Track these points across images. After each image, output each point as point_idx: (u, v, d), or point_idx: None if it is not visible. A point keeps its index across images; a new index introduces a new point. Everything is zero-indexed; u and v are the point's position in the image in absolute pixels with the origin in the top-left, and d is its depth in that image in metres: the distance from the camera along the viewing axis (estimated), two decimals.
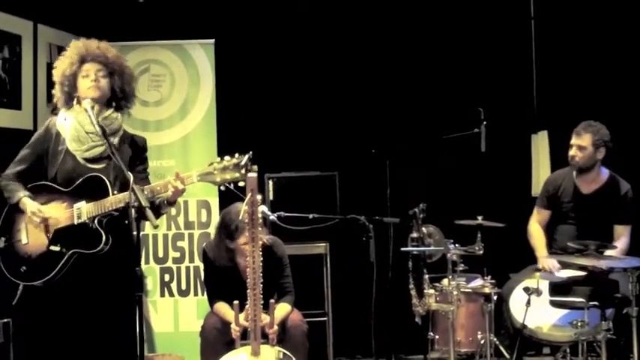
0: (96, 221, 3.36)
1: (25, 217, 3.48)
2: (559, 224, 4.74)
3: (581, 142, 4.56)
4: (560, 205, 4.73)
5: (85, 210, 3.37)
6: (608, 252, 3.99)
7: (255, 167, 3.23)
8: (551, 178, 4.90)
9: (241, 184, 3.25)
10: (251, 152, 3.25)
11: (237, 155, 3.26)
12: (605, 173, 4.66)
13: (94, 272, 3.41)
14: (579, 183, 4.68)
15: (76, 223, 3.38)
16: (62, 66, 3.53)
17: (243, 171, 3.21)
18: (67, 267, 3.37)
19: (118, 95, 3.58)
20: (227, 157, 3.27)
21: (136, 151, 3.62)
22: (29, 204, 3.44)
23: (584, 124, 4.60)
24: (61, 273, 3.37)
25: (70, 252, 3.36)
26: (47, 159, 3.52)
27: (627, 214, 4.60)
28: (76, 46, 3.56)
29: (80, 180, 3.43)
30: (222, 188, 3.35)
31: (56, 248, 3.38)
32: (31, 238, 3.45)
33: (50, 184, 3.48)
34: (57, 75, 3.55)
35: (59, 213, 3.43)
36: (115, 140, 3.52)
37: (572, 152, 4.61)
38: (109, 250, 3.38)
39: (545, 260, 4.56)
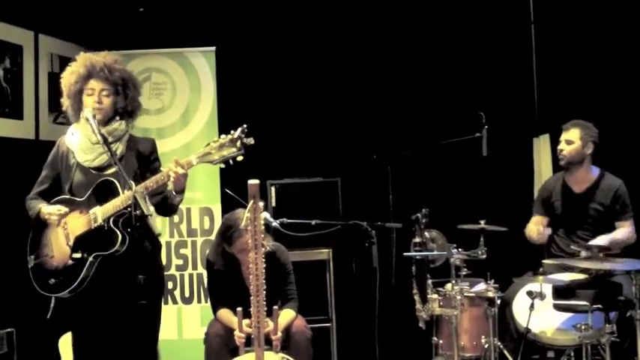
0: (111, 222, 3.38)
1: (48, 231, 3.53)
2: (556, 229, 4.75)
3: (569, 137, 4.63)
4: (553, 208, 4.75)
5: (99, 213, 3.40)
6: (593, 242, 3.99)
7: (252, 140, 3.21)
8: (545, 184, 4.96)
9: (239, 158, 3.21)
10: (245, 125, 3.22)
11: (231, 132, 3.24)
12: (595, 171, 4.70)
13: (115, 277, 3.42)
14: (570, 183, 4.71)
15: (93, 227, 3.41)
16: (69, 79, 3.56)
17: (239, 144, 3.19)
18: (92, 273, 3.39)
19: (121, 112, 3.63)
20: (222, 135, 3.26)
21: (145, 153, 3.66)
22: (47, 208, 3.50)
23: (572, 121, 4.69)
24: (87, 280, 3.38)
25: (92, 256, 3.38)
26: (62, 176, 3.59)
27: (624, 209, 4.62)
28: (83, 60, 3.57)
29: (92, 187, 3.47)
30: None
31: (78, 255, 3.41)
32: (56, 251, 3.49)
33: (67, 196, 3.53)
34: (64, 88, 3.59)
35: (78, 222, 3.45)
36: (121, 146, 3.57)
37: (560, 147, 4.67)
38: (129, 252, 3.38)
39: (533, 231, 4.62)
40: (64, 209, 3.47)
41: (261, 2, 5.73)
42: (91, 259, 3.38)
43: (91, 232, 3.42)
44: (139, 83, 3.72)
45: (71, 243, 3.45)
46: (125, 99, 3.61)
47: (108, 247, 3.37)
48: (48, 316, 3.51)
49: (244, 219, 3.22)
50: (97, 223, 3.40)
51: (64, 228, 3.48)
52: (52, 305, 3.52)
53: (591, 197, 4.65)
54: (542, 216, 4.83)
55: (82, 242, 3.43)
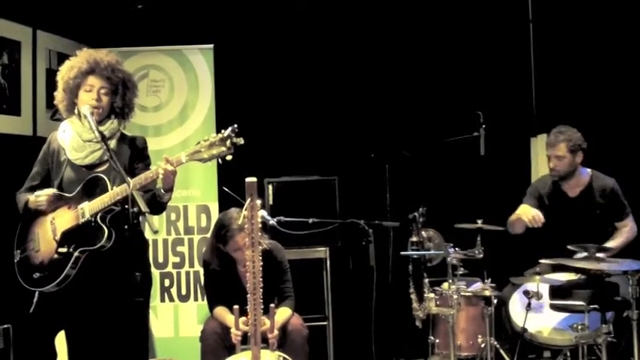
0: (98, 217, 3.37)
1: (36, 225, 3.52)
2: (550, 232, 4.74)
3: (558, 152, 4.59)
4: (547, 210, 4.73)
5: (87, 208, 3.39)
6: (601, 254, 3.98)
7: (241, 140, 3.19)
8: (540, 181, 4.90)
9: (229, 157, 3.20)
10: (235, 125, 3.20)
11: (222, 131, 3.23)
12: (586, 173, 4.69)
13: (103, 274, 3.42)
14: (564, 188, 4.71)
15: (80, 222, 3.40)
16: (68, 74, 3.53)
17: (228, 143, 3.17)
18: (77, 268, 3.38)
19: (117, 111, 3.62)
20: (212, 134, 3.25)
21: (135, 151, 3.65)
22: (32, 196, 3.49)
23: (554, 134, 4.62)
24: (73, 274, 3.38)
25: (78, 251, 3.37)
26: (52, 172, 3.58)
27: (622, 208, 4.62)
28: (86, 56, 3.54)
29: (82, 183, 3.46)
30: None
31: (64, 250, 3.40)
32: (42, 245, 3.48)
33: (56, 191, 3.51)
34: (61, 81, 3.55)
35: (66, 217, 3.45)
36: (113, 143, 3.55)
37: (551, 164, 4.64)
38: (117, 249, 3.38)
39: (528, 211, 4.55)
40: (52, 191, 3.45)
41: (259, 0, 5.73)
42: (76, 253, 3.37)
43: (78, 227, 3.41)
44: (135, 83, 3.70)
45: (58, 237, 3.44)
46: (123, 100, 3.60)
47: (94, 242, 3.36)
48: (30, 311, 3.50)
49: (241, 217, 3.21)
50: (85, 218, 3.39)
51: (52, 222, 3.47)
52: (35, 300, 3.51)
53: (586, 200, 4.64)
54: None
55: (68, 237, 3.42)
